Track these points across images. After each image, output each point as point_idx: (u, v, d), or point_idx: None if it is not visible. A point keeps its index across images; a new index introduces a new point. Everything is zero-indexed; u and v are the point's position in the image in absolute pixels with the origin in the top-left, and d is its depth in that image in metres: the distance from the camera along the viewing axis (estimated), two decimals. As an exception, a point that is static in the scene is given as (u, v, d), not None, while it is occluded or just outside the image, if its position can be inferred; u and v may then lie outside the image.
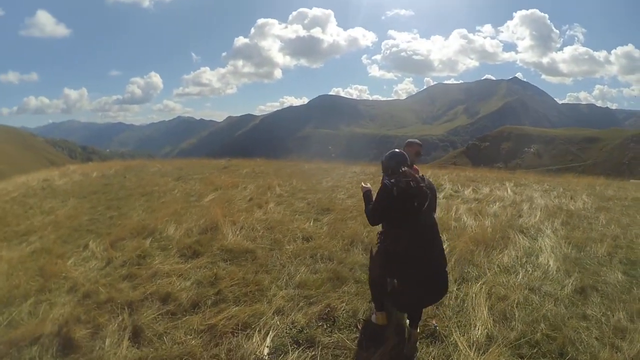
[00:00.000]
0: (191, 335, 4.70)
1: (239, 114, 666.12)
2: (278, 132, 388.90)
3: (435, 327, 4.56)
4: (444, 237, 6.72)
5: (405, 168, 3.87)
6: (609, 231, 8.63)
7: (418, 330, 4.29)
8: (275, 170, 16.94)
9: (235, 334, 4.64)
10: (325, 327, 4.74)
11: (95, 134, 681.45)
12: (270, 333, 4.60)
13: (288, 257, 6.53)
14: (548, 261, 6.73)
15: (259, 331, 4.64)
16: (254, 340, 4.47)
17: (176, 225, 8.34)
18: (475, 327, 4.65)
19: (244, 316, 4.90)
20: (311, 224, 8.31)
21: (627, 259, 7.04)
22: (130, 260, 6.92)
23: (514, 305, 5.17)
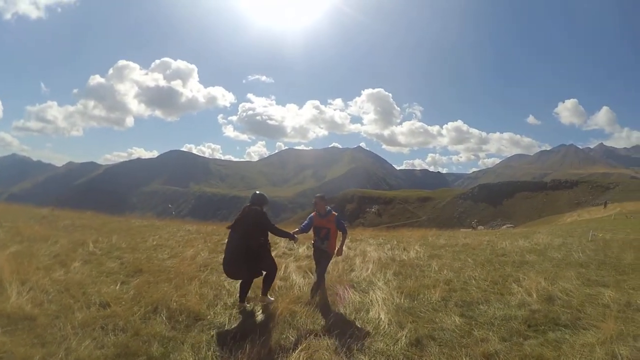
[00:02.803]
0: None
1: (81, 161, 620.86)
2: (123, 184, 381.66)
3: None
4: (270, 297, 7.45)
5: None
6: (442, 276, 9.40)
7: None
8: (100, 225, 16.70)
9: None
10: None
11: None
12: None
13: (75, 326, 5.91)
14: (379, 315, 6.74)
15: None
16: None
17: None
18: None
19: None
20: (117, 287, 7.94)
21: (463, 300, 7.56)
22: None
23: (339, 372, 4.85)
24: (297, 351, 5.33)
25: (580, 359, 5.10)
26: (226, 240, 7.52)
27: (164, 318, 6.37)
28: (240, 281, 7.32)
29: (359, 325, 6.37)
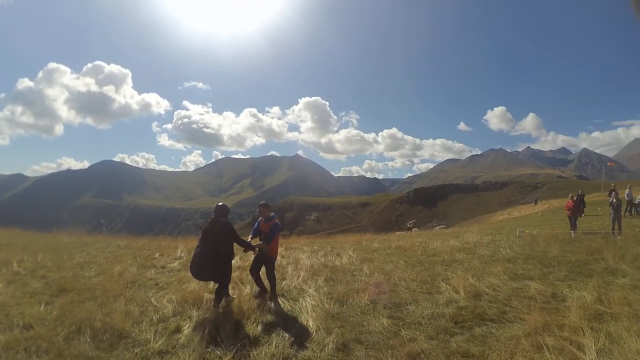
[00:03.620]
0: None
1: (7, 172, 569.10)
2: (52, 198, 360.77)
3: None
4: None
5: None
6: (372, 279, 9.42)
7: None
8: (26, 243, 15.96)
9: None
10: None
11: None
12: None
13: None
14: (307, 322, 6.64)
15: None
16: None
17: None
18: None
19: None
20: (41, 307, 7.64)
21: (391, 302, 7.58)
22: None
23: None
24: None
25: (506, 352, 5.16)
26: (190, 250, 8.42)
27: (88, 338, 6.13)
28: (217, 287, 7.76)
29: (286, 335, 6.22)
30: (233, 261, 11.79)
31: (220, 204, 7.99)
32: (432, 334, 5.95)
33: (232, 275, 10.26)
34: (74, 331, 6.34)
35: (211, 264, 7.33)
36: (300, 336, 6.11)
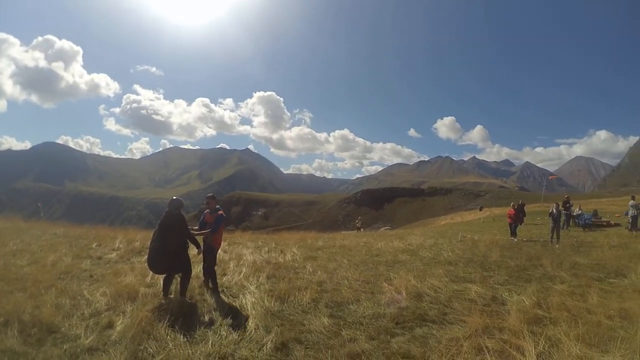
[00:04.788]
0: None
1: None
2: None
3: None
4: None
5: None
6: (315, 278, 9.33)
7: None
8: None
9: None
10: None
11: None
12: None
13: None
14: (247, 320, 6.46)
15: None
16: None
17: None
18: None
19: None
20: None
21: (333, 301, 7.49)
22: None
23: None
24: None
25: (447, 354, 5.14)
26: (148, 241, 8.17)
27: (16, 332, 5.79)
28: (163, 277, 7.85)
29: (223, 333, 6.01)
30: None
31: (175, 197, 8.01)
32: (373, 334, 5.89)
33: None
34: (1, 324, 6.01)
35: (166, 255, 7.38)
36: (239, 334, 5.91)
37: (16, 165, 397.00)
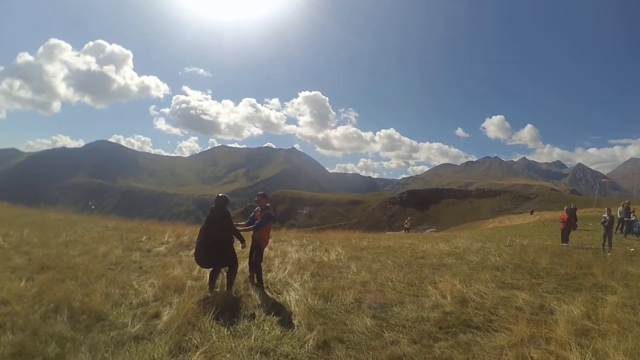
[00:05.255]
0: None
1: (1, 147, 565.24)
2: (45, 175, 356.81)
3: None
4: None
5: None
6: (359, 278, 9.32)
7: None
8: (13, 218, 15.97)
9: None
10: None
11: None
12: None
13: None
14: (290, 316, 6.53)
15: None
16: None
17: None
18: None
19: None
20: (21, 284, 7.54)
21: (376, 302, 7.43)
22: None
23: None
24: (197, 354, 5.07)
25: (489, 362, 4.98)
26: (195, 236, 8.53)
27: (65, 318, 6.03)
28: (210, 270, 8.09)
29: (266, 328, 6.10)
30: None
31: (221, 194, 8.21)
32: (416, 337, 5.83)
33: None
34: (52, 310, 6.24)
35: (212, 250, 7.59)
36: (281, 331, 5.98)
37: (70, 162, 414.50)
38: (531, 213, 62.57)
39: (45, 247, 11.08)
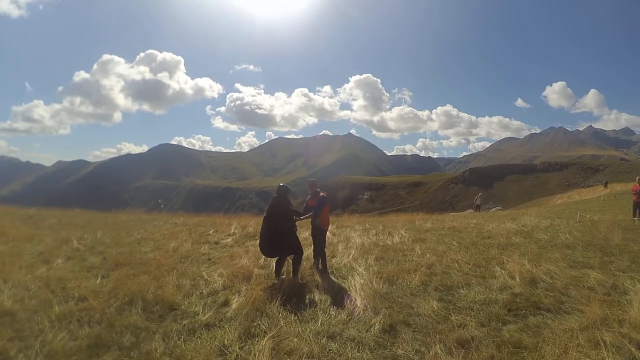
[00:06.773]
0: None
1: (70, 159, 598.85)
2: (113, 181, 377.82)
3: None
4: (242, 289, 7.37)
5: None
6: (424, 260, 9.22)
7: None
8: (86, 222, 16.71)
9: None
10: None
11: None
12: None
13: (52, 320, 5.95)
14: (355, 300, 6.56)
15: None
16: None
17: None
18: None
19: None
20: (97, 281, 7.95)
21: (443, 285, 7.37)
22: None
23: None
24: (265, 339, 5.17)
25: (560, 346, 4.82)
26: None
27: (139, 309, 6.35)
28: (275, 259, 8.30)
29: (332, 312, 6.19)
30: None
31: (282, 184, 8.39)
32: (484, 320, 5.71)
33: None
34: (126, 303, 6.62)
35: (275, 239, 7.76)
36: (347, 315, 6.05)
37: (136, 166, 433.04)
38: (605, 185, 59.09)
39: (118, 246, 11.62)
